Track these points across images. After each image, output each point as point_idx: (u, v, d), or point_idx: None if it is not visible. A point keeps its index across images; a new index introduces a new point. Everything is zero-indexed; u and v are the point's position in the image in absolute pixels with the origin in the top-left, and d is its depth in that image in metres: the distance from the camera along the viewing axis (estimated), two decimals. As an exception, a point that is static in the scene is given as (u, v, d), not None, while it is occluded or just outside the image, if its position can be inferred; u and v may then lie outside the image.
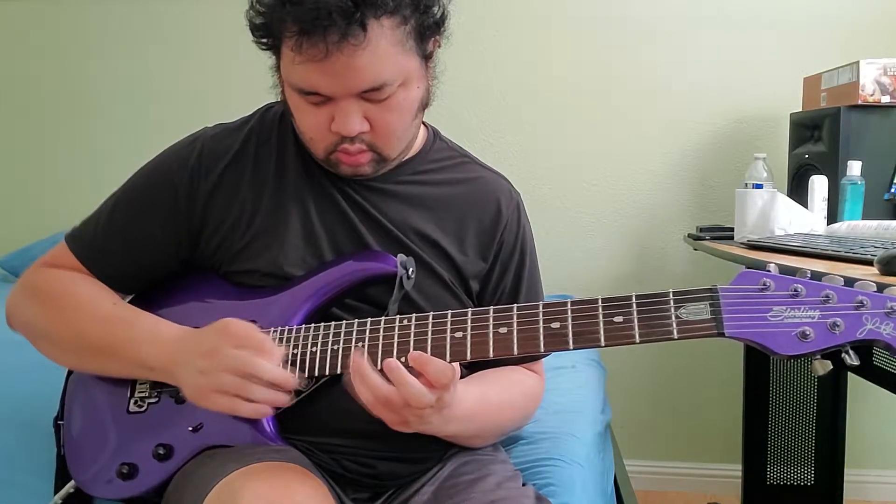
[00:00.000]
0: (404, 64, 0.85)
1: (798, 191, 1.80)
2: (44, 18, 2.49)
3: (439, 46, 0.92)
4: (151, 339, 0.90)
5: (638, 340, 0.72)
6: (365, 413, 0.93)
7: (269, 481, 0.76)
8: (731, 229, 1.75)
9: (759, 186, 1.80)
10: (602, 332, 0.73)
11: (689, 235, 1.93)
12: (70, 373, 1.03)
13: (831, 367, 0.67)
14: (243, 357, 0.81)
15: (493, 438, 1.04)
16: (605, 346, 0.74)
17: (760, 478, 1.94)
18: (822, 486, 1.94)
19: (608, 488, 1.30)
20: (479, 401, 0.91)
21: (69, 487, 0.96)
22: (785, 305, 0.68)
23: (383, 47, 0.82)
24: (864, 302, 0.66)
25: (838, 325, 0.66)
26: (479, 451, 1.02)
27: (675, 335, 0.71)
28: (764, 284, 0.69)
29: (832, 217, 1.62)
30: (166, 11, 2.40)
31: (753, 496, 1.95)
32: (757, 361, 1.91)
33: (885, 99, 1.65)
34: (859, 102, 1.65)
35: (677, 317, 0.71)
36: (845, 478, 1.95)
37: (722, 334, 0.69)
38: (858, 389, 1.99)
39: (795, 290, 0.68)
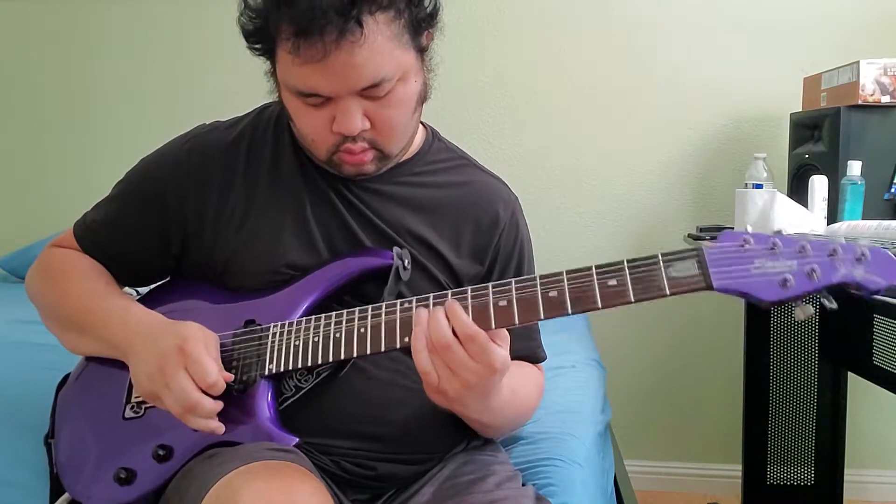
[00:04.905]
0: (401, 58, 0.85)
1: (798, 191, 1.80)
2: (44, 18, 2.48)
3: (433, 40, 0.92)
4: (120, 318, 0.93)
5: (633, 300, 0.75)
6: (365, 414, 0.93)
7: (268, 481, 0.75)
8: (732, 229, 1.74)
9: (759, 186, 1.80)
10: (598, 295, 0.75)
11: (689, 235, 1.93)
12: (59, 389, 1.02)
13: (812, 311, 0.72)
14: (187, 390, 0.83)
15: (508, 430, 1.07)
16: (603, 308, 0.76)
17: (760, 478, 1.94)
18: (822, 486, 1.94)
19: (608, 488, 1.30)
20: (510, 392, 0.91)
21: (61, 502, 0.94)
22: (765, 258, 0.72)
23: (380, 43, 0.82)
24: (837, 250, 0.71)
25: (815, 272, 0.71)
26: (479, 452, 1.02)
27: (668, 291, 0.74)
28: (744, 241, 0.74)
29: (832, 217, 1.62)
30: (165, 12, 2.40)
31: (753, 496, 1.95)
32: (757, 361, 1.91)
33: (885, 99, 1.65)
34: (859, 102, 1.65)
35: (668, 275, 0.74)
36: (845, 478, 1.94)
37: (710, 287, 0.72)
38: (858, 389, 1.99)
39: (774, 244, 0.73)
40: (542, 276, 0.78)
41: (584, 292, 0.76)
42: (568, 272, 0.77)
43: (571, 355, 1.63)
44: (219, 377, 0.84)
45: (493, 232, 1.02)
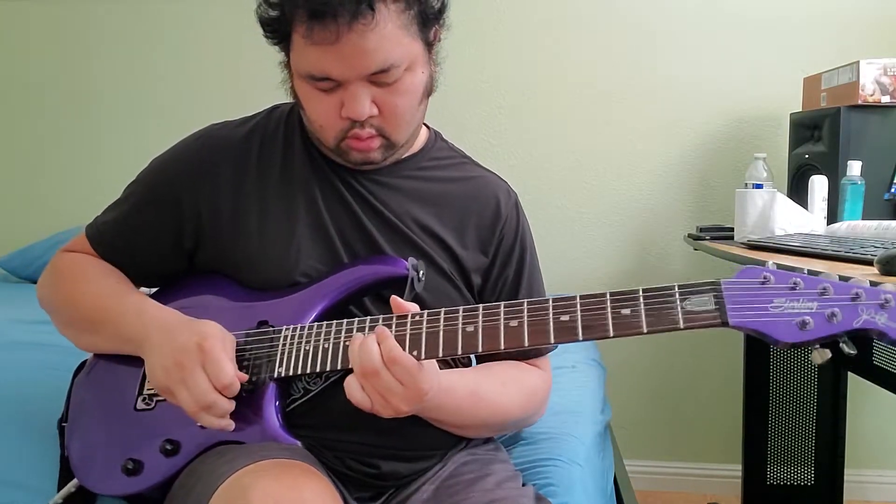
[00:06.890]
0: (409, 47, 0.88)
1: (798, 191, 1.80)
2: (44, 18, 2.49)
3: (440, 40, 0.95)
4: (136, 312, 0.94)
5: (645, 330, 0.74)
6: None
7: (277, 479, 0.76)
8: (731, 229, 1.75)
9: (759, 186, 1.80)
10: (611, 323, 0.75)
11: (689, 235, 1.93)
12: (75, 374, 1.04)
13: (830, 355, 0.70)
14: (203, 389, 0.83)
15: (488, 431, 1.05)
16: (614, 337, 0.75)
17: (760, 478, 1.94)
18: (822, 486, 1.94)
19: (608, 488, 1.30)
20: (470, 393, 0.93)
21: (70, 486, 0.96)
22: (785, 297, 0.71)
23: (390, 29, 0.85)
24: (860, 294, 0.69)
25: (836, 315, 0.69)
26: (479, 451, 1.03)
27: (682, 325, 0.73)
28: (765, 278, 0.72)
29: (832, 217, 1.62)
30: (167, 11, 2.40)
31: (753, 496, 1.95)
32: (757, 361, 1.91)
33: (885, 99, 1.65)
34: (859, 102, 1.65)
35: (683, 308, 0.73)
36: (845, 478, 1.95)
37: (726, 324, 0.71)
38: (858, 389, 1.99)
39: (795, 283, 0.71)
40: (555, 299, 0.79)
41: (596, 320, 0.76)
42: (582, 297, 0.78)
43: (571, 355, 1.63)
44: (234, 379, 0.85)
45: (496, 224, 1.04)
